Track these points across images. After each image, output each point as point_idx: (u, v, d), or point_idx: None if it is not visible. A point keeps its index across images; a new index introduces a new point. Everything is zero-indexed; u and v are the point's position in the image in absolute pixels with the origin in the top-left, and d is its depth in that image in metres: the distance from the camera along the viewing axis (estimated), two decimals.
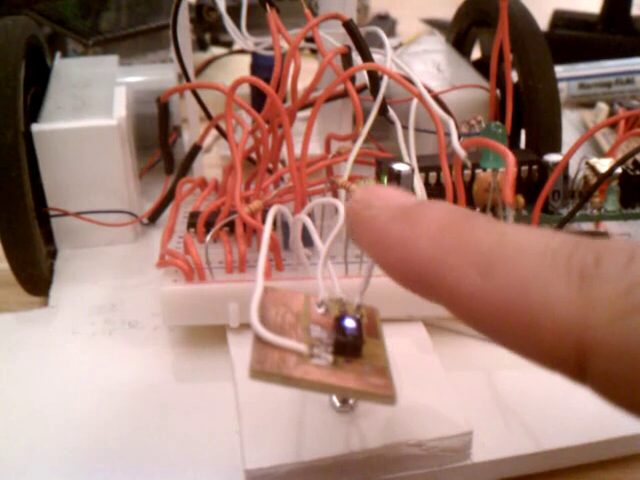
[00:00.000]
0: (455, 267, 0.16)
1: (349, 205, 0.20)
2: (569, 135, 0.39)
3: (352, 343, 0.21)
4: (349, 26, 0.33)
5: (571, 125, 0.55)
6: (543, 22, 0.69)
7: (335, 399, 0.28)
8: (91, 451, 0.28)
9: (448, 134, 0.32)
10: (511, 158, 0.23)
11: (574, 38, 0.67)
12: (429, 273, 0.17)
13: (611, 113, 0.53)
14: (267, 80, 0.32)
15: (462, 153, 0.28)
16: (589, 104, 0.58)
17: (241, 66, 0.60)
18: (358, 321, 0.22)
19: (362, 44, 0.33)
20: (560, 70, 0.56)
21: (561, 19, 0.71)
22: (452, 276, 0.16)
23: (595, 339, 0.14)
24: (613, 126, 0.51)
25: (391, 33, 0.73)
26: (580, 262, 0.15)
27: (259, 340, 0.21)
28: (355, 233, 0.20)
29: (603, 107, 0.54)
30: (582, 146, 0.34)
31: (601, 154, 0.49)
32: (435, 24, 0.75)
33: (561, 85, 0.57)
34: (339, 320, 0.22)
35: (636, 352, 0.14)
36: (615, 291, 0.14)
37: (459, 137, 0.31)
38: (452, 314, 0.17)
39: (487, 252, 0.16)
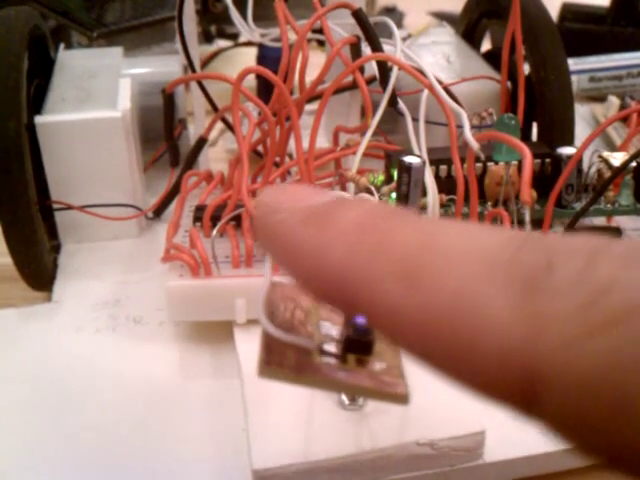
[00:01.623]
0: (374, 277, 0.13)
1: (255, 210, 0.17)
2: (580, 129, 0.39)
3: (363, 340, 0.21)
4: (358, 15, 0.32)
5: (582, 119, 0.54)
6: (552, 15, 0.68)
7: (344, 397, 0.27)
8: (95, 448, 0.28)
9: (459, 126, 0.31)
10: (528, 154, 0.22)
11: (583, 31, 0.67)
12: (345, 285, 0.14)
13: (622, 107, 0.53)
14: (274, 72, 0.31)
15: (475, 145, 0.27)
16: (599, 98, 0.57)
17: (247, 58, 0.59)
18: None
19: (372, 34, 0.32)
20: (570, 63, 0.55)
21: (570, 12, 0.70)
22: (371, 288, 0.13)
23: (546, 368, 0.11)
24: (624, 119, 0.50)
25: (399, 26, 0.72)
26: (526, 268, 0.12)
27: (268, 337, 0.20)
28: (264, 243, 0.16)
29: (614, 101, 0.53)
30: (593, 140, 0.33)
31: (612, 147, 0.48)
32: (443, 17, 0.74)
33: (571, 78, 0.56)
34: (350, 317, 0.21)
35: (597, 385, 0.11)
36: (570, 306, 0.11)
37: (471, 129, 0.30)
38: (379, 333, 0.14)
39: (412, 258, 0.13)
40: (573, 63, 0.57)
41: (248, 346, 0.30)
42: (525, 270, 0.12)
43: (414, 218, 0.14)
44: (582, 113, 0.55)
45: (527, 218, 0.29)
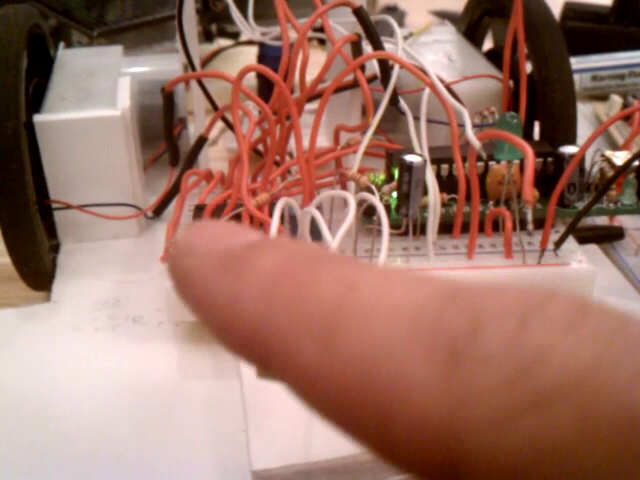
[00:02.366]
0: (288, 334, 0.12)
1: (171, 251, 0.15)
2: (582, 128, 0.39)
3: None
4: (359, 13, 0.32)
5: (584, 118, 0.54)
6: (554, 14, 0.67)
7: None
8: (94, 449, 0.27)
9: (461, 125, 0.31)
10: (530, 153, 0.22)
11: (586, 30, 0.66)
12: (258, 341, 0.13)
13: (625, 106, 0.52)
14: (275, 71, 0.31)
15: (477, 144, 0.27)
16: (602, 96, 0.57)
17: (247, 57, 0.59)
18: None
19: (373, 32, 0.32)
20: (572, 62, 0.55)
21: (572, 10, 0.70)
22: (284, 346, 0.12)
23: (469, 451, 0.10)
24: (626, 118, 0.50)
25: (400, 25, 0.71)
26: (450, 332, 0.11)
27: None
28: (177, 289, 0.14)
29: (617, 99, 0.52)
30: (596, 139, 0.33)
31: (614, 146, 0.48)
32: (444, 15, 0.74)
33: (573, 77, 0.56)
34: None
35: (523, 473, 0.10)
36: (496, 381, 0.10)
37: (473, 128, 0.30)
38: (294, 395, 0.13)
39: (329, 313, 0.12)
40: (575, 62, 0.57)
41: None
42: (449, 334, 0.11)
43: (335, 264, 0.13)
44: (584, 112, 0.55)
45: (529, 217, 0.29)
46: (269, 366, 0.13)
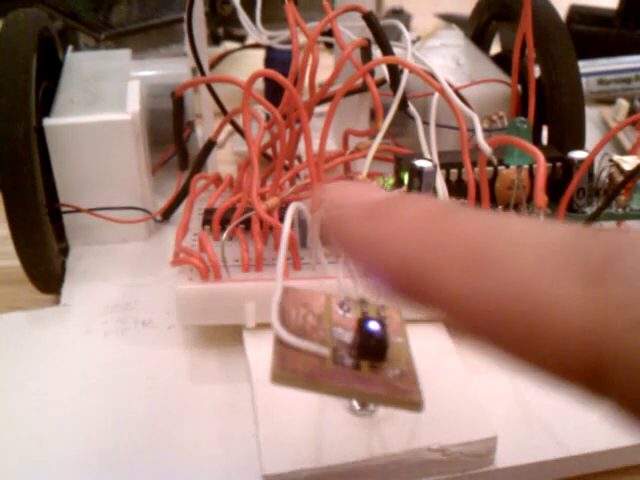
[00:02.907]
0: (440, 266, 0.14)
1: (321, 206, 0.18)
2: (589, 132, 0.39)
3: (377, 347, 0.21)
4: (369, 18, 0.32)
5: (591, 122, 0.53)
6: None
7: (355, 403, 0.27)
8: (104, 452, 0.27)
9: (470, 130, 0.31)
10: (542, 158, 0.22)
11: (591, 33, 0.66)
12: (411, 275, 0.15)
13: (631, 109, 0.52)
14: (282, 75, 0.31)
15: (487, 149, 0.27)
16: (608, 100, 0.57)
17: (254, 61, 0.59)
18: (382, 323, 0.21)
19: (382, 37, 0.32)
20: (579, 66, 0.55)
21: (577, 14, 0.70)
22: (438, 276, 0.14)
23: (615, 349, 0.12)
24: (633, 123, 0.50)
25: (406, 28, 0.72)
26: (591, 258, 0.13)
27: (281, 343, 0.20)
28: (329, 237, 0.17)
29: (624, 103, 0.52)
30: (605, 144, 0.33)
31: (622, 151, 0.48)
32: (450, 19, 0.74)
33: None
34: (363, 323, 0.21)
35: None
36: (634, 293, 0.12)
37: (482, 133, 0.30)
38: (444, 321, 0.15)
39: (478, 247, 0.14)
40: (581, 66, 0.56)
41: (257, 350, 0.30)
42: (590, 260, 0.13)
43: (476, 212, 0.15)
44: (591, 116, 0.54)
45: None
46: (421, 298, 0.15)
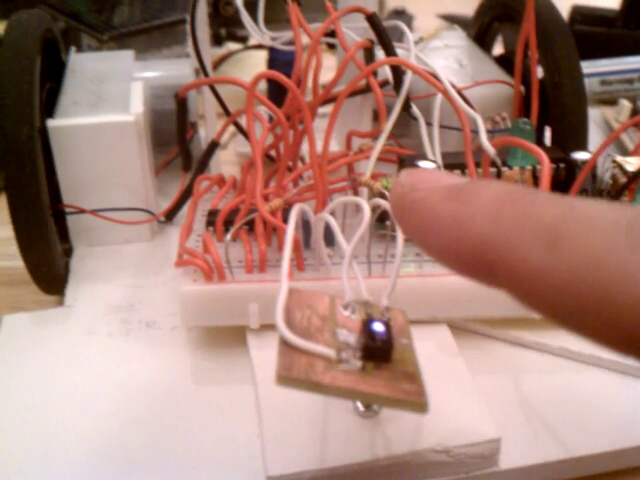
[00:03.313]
0: (517, 243, 0.15)
1: (393, 189, 0.19)
2: (591, 133, 0.39)
3: (381, 348, 0.21)
4: (372, 19, 0.32)
5: (593, 122, 0.53)
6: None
7: (359, 404, 0.27)
8: (107, 454, 0.27)
9: (474, 131, 0.31)
10: (546, 160, 0.22)
11: (593, 34, 0.66)
12: (488, 253, 0.15)
13: (634, 110, 0.52)
14: (285, 75, 0.31)
15: (491, 151, 0.27)
16: (610, 101, 0.57)
17: (257, 61, 0.59)
18: (387, 325, 0.21)
19: (385, 38, 0.32)
20: (581, 66, 0.55)
21: (580, 15, 0.70)
22: (514, 253, 0.15)
23: None
24: (636, 124, 0.50)
25: (408, 29, 0.72)
26: None
27: (285, 344, 0.20)
28: (402, 219, 0.18)
29: (626, 104, 0.52)
30: (609, 145, 0.33)
31: (624, 151, 0.48)
32: (452, 20, 0.74)
33: None
34: (367, 324, 0.21)
35: None
36: None
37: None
38: (515, 298, 0.16)
39: (552, 226, 0.15)
40: (584, 66, 0.56)
41: (261, 351, 0.30)
42: None
43: (549, 194, 0.16)
44: (593, 116, 0.54)
45: None
46: (495, 274, 0.16)
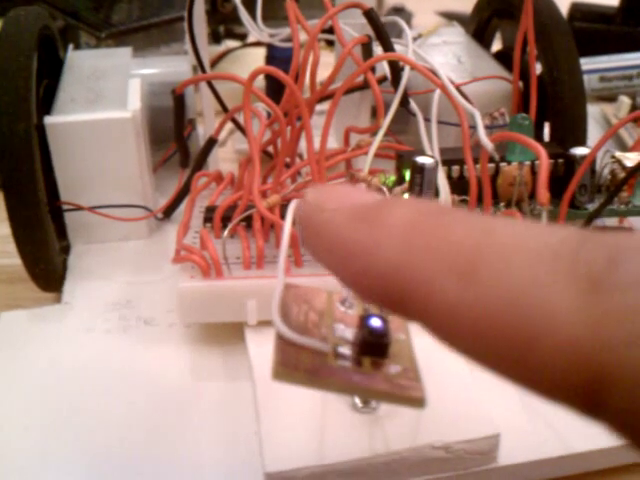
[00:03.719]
0: (429, 274, 0.13)
1: (302, 209, 0.16)
2: (590, 129, 0.39)
3: (379, 343, 0.21)
4: (370, 15, 0.32)
5: (592, 119, 0.53)
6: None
7: (357, 400, 0.27)
8: (105, 451, 0.27)
9: (472, 127, 0.31)
10: (544, 155, 0.22)
11: (593, 30, 0.66)
12: (397, 283, 0.14)
13: (633, 106, 0.52)
14: (284, 72, 0.31)
15: (490, 146, 0.27)
16: (610, 97, 0.57)
17: (255, 59, 0.59)
18: (384, 320, 0.21)
19: (383, 34, 0.32)
20: (580, 63, 0.55)
21: (579, 11, 0.70)
22: (426, 286, 0.13)
23: (612, 364, 0.11)
24: (635, 119, 0.50)
25: (407, 26, 0.72)
26: (590, 265, 0.12)
27: (282, 340, 0.20)
28: (307, 240, 0.16)
29: (625, 100, 0.52)
30: (607, 140, 0.33)
31: (623, 147, 0.48)
32: (451, 17, 0.74)
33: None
34: (364, 319, 0.21)
35: None
36: (636, 303, 0.11)
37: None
38: (430, 334, 0.14)
39: (469, 253, 0.13)
40: (583, 63, 0.56)
41: (259, 348, 0.30)
42: (588, 267, 0.12)
43: (467, 215, 0.14)
44: (593, 113, 0.54)
45: (544, 220, 0.28)
46: (407, 306, 0.14)
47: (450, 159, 0.33)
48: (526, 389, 0.13)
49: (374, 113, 0.35)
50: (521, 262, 0.12)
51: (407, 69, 0.34)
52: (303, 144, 0.33)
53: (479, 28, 0.46)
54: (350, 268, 0.15)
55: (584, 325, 0.11)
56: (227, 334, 0.32)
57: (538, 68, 0.37)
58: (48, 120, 0.35)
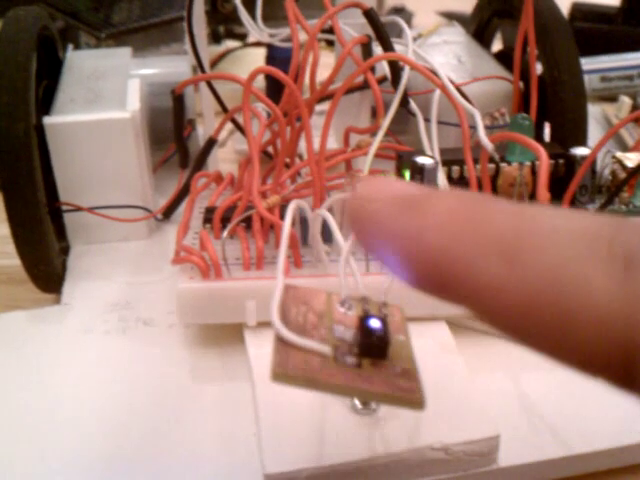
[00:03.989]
0: (474, 257, 0.14)
1: (350, 201, 0.17)
2: (591, 129, 0.39)
3: (378, 345, 0.21)
4: (370, 15, 0.32)
5: (593, 119, 0.53)
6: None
7: (357, 401, 0.27)
8: (104, 451, 0.27)
9: (472, 127, 0.31)
10: (544, 155, 0.22)
11: (593, 30, 0.66)
12: (444, 267, 0.15)
13: (634, 106, 0.52)
14: (283, 73, 0.31)
15: (490, 146, 0.27)
16: (611, 97, 0.57)
17: (255, 59, 0.59)
18: (383, 321, 0.21)
19: (383, 33, 0.32)
20: (581, 63, 0.55)
21: (580, 11, 0.70)
22: (471, 267, 0.14)
23: None
24: (636, 119, 0.49)
25: (407, 26, 0.72)
26: (624, 248, 0.13)
27: (281, 341, 0.20)
28: (356, 230, 0.17)
29: (626, 100, 0.52)
30: (608, 140, 0.33)
31: (624, 147, 0.48)
32: (451, 17, 0.74)
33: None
34: (364, 320, 0.21)
35: None
36: None
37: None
38: (473, 314, 0.15)
39: (512, 238, 0.14)
40: (584, 63, 0.56)
41: (259, 349, 0.30)
42: (624, 249, 0.13)
43: (507, 202, 0.15)
44: (593, 113, 0.54)
45: None
46: (451, 288, 0.15)
47: (450, 159, 0.33)
48: (565, 364, 0.13)
49: (374, 113, 0.35)
50: (561, 244, 0.13)
51: (407, 69, 0.34)
52: (303, 144, 0.33)
53: (479, 28, 0.46)
54: (399, 253, 0.16)
55: (619, 302, 0.12)
56: (226, 335, 0.32)
57: (538, 68, 0.37)
58: (47, 120, 0.35)
